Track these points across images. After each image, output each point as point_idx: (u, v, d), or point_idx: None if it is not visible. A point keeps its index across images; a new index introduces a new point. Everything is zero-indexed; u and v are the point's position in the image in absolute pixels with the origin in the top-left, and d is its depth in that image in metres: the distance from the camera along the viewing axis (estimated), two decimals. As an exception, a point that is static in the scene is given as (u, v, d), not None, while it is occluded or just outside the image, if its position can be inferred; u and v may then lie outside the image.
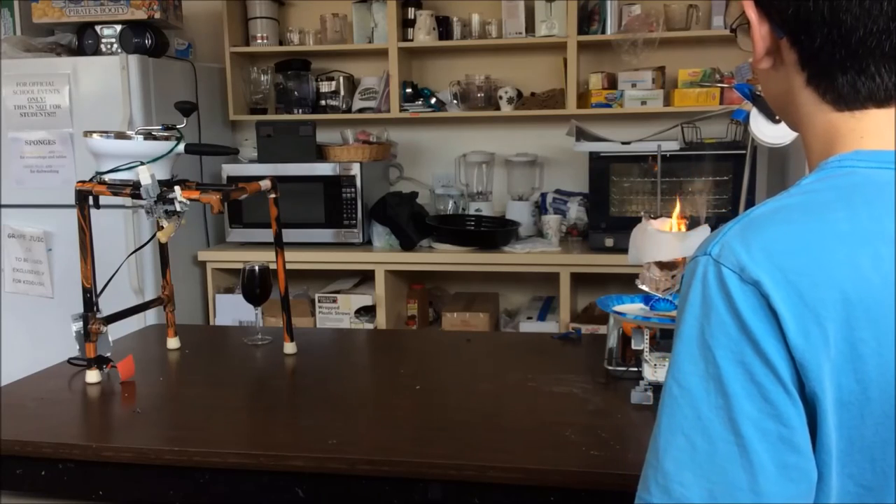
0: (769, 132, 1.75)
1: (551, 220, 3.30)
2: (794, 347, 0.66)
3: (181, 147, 1.74)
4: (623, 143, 3.03)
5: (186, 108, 1.77)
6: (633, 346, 1.53)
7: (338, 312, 3.38)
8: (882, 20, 0.70)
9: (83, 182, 1.72)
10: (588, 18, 3.35)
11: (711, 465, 0.68)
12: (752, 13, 0.78)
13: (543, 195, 3.53)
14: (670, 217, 1.58)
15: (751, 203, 2.48)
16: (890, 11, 0.70)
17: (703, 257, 0.71)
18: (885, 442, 0.67)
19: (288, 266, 1.94)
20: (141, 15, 3.12)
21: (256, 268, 1.96)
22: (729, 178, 3.04)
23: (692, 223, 1.60)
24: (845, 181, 0.72)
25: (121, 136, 1.74)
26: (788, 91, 0.79)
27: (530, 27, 3.37)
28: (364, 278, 3.51)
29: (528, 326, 3.26)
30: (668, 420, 0.70)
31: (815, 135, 0.78)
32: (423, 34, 3.42)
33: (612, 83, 3.38)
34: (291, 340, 1.92)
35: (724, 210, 3.04)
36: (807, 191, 0.73)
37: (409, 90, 3.51)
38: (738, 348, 0.67)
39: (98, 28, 3.16)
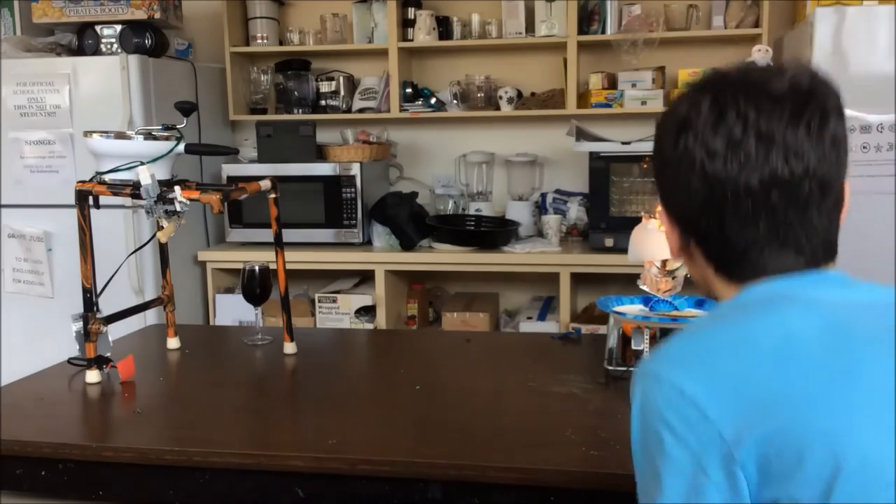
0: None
1: (551, 220, 3.29)
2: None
3: (181, 147, 1.74)
4: (623, 143, 3.03)
5: (186, 108, 1.77)
6: (633, 346, 1.54)
7: (338, 312, 3.38)
8: (761, 233, 0.85)
9: (83, 182, 1.72)
10: (588, 18, 3.35)
11: None
12: (664, 220, 0.95)
13: (543, 195, 3.53)
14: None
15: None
16: (763, 228, 0.84)
17: (643, 377, 0.81)
18: None
19: (288, 266, 1.94)
20: (141, 15, 3.12)
21: (256, 268, 1.96)
22: (729, 178, 3.03)
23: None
24: (762, 294, 0.85)
25: (121, 136, 1.74)
26: (704, 275, 0.94)
27: (530, 27, 3.37)
28: (364, 278, 3.51)
29: (528, 326, 3.26)
30: None
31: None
32: (423, 34, 3.42)
33: (612, 83, 3.38)
34: (291, 340, 1.92)
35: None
36: (726, 308, 0.88)
37: (409, 90, 3.51)
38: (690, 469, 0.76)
39: (98, 28, 3.16)
